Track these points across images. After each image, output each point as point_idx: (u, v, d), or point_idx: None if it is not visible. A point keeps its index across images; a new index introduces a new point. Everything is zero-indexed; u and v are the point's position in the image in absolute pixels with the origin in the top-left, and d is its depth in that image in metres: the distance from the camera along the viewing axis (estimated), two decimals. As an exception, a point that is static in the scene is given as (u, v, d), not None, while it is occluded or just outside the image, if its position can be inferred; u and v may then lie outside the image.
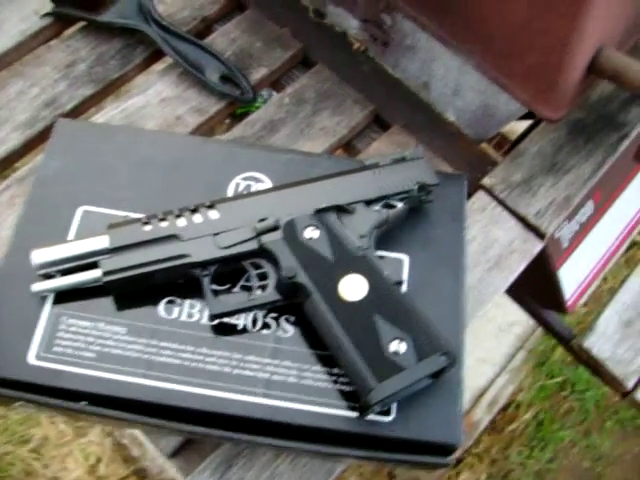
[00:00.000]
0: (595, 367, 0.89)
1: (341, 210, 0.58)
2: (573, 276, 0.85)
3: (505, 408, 1.50)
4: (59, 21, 0.81)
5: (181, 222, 0.57)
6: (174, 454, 0.63)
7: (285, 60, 0.81)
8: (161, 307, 0.57)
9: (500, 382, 1.48)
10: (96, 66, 0.78)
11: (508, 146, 0.94)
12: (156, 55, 0.80)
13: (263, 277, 0.57)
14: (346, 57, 0.81)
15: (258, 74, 0.79)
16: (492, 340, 1.48)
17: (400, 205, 0.59)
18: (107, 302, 0.57)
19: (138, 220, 0.57)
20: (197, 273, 0.56)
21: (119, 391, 0.54)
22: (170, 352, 0.56)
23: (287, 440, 0.54)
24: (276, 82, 0.82)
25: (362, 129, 0.79)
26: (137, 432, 1.38)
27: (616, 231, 0.90)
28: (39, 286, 0.56)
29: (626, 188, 0.89)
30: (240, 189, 0.63)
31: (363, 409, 0.53)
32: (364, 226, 0.57)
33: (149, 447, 1.38)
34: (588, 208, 0.85)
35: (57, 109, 0.75)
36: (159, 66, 0.80)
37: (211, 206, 0.58)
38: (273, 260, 0.56)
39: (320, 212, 0.57)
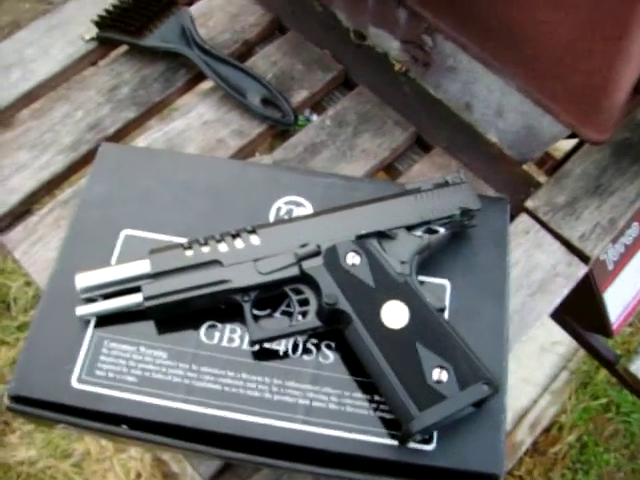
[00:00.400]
0: (642, 392, 0.87)
1: (382, 236, 0.57)
2: (618, 299, 0.84)
3: (548, 429, 1.47)
4: (103, 45, 0.83)
5: (222, 247, 0.57)
6: (214, 478, 0.63)
7: (326, 82, 0.81)
8: (202, 332, 0.57)
9: (542, 403, 1.45)
10: (139, 89, 0.79)
11: (551, 163, 0.93)
12: (198, 78, 0.81)
13: (304, 303, 0.57)
14: (387, 78, 0.81)
15: (299, 96, 0.79)
16: (535, 360, 1.46)
17: (442, 230, 0.59)
18: (149, 326, 0.58)
19: (180, 245, 0.57)
20: (238, 299, 0.56)
21: (159, 416, 0.54)
22: (210, 377, 0.56)
23: (326, 468, 0.54)
24: (317, 104, 0.82)
25: (403, 151, 0.79)
26: (176, 449, 1.39)
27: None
28: (83, 310, 0.57)
29: (673, 209, 0.87)
30: (281, 213, 0.63)
31: (404, 438, 0.52)
32: (405, 252, 0.57)
33: (189, 464, 1.38)
34: (634, 230, 0.83)
35: (100, 132, 0.76)
36: (201, 89, 0.81)
37: (252, 231, 0.58)
38: (314, 286, 0.56)
39: (361, 238, 0.57)
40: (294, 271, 0.56)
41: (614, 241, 0.81)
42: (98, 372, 0.56)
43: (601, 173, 0.75)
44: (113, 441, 0.70)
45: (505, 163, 0.77)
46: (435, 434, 0.54)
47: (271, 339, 0.56)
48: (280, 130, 0.78)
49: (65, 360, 0.56)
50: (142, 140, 0.76)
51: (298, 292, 0.57)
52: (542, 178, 0.85)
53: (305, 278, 0.56)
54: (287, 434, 0.54)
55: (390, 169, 0.79)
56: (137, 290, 0.56)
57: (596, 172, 0.75)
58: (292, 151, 0.75)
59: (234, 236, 0.57)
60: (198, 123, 0.77)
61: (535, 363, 1.46)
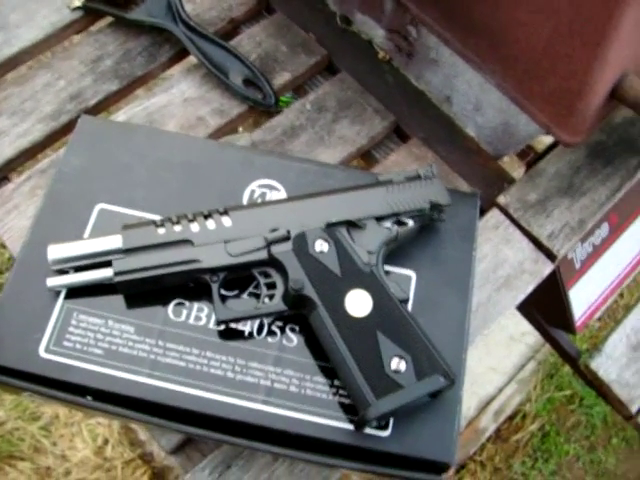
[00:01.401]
0: (600, 388, 0.89)
1: (352, 225, 0.58)
2: (584, 297, 0.85)
3: (511, 417, 1.50)
4: (88, 15, 0.82)
5: (194, 227, 0.58)
6: (176, 450, 0.64)
7: (309, 66, 0.81)
8: (170, 309, 0.58)
9: (508, 391, 1.48)
10: (122, 62, 0.79)
11: (532, 156, 0.93)
12: (181, 54, 0.81)
13: (271, 286, 0.58)
14: (370, 66, 0.81)
15: (281, 79, 0.80)
16: (503, 349, 1.48)
17: (411, 223, 0.60)
18: (118, 300, 0.58)
19: (152, 222, 0.58)
20: (207, 278, 0.57)
21: (123, 389, 0.55)
22: (176, 354, 0.57)
23: (284, 448, 0.55)
24: (299, 87, 0.83)
25: (381, 139, 0.79)
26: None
27: (630, 255, 0.90)
28: (54, 281, 0.57)
29: (643, 212, 0.89)
30: (255, 196, 0.63)
31: (360, 424, 0.54)
32: (373, 242, 0.58)
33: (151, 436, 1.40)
34: (603, 230, 0.85)
35: (82, 103, 0.76)
36: (184, 65, 0.81)
37: (224, 212, 0.58)
38: (282, 270, 0.57)
39: (331, 226, 0.58)
40: (263, 255, 0.57)
41: (583, 240, 0.82)
42: (66, 343, 0.57)
43: (574, 173, 0.76)
44: (78, 410, 0.71)
45: (481, 158, 0.78)
46: (391, 421, 0.55)
47: (237, 320, 0.57)
48: (264, 111, 0.79)
49: (34, 329, 0.57)
50: (122, 113, 0.76)
51: (266, 275, 0.58)
52: (521, 170, 0.86)
53: (273, 262, 0.57)
54: (247, 413, 0.55)
55: (367, 157, 0.79)
56: (108, 264, 0.57)
57: (569, 172, 0.76)
58: (271, 133, 0.76)
59: (206, 216, 0.58)
60: (179, 100, 0.77)
61: (503, 352, 1.48)
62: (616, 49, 0.60)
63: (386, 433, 0.55)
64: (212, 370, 0.56)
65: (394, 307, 0.55)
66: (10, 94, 0.76)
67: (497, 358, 1.49)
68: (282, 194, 0.63)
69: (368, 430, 0.55)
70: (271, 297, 0.57)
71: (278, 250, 0.57)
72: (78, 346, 0.57)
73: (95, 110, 0.77)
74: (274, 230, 0.58)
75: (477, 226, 0.65)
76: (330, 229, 0.58)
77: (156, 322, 0.58)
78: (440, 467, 0.55)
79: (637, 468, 1.50)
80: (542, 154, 0.79)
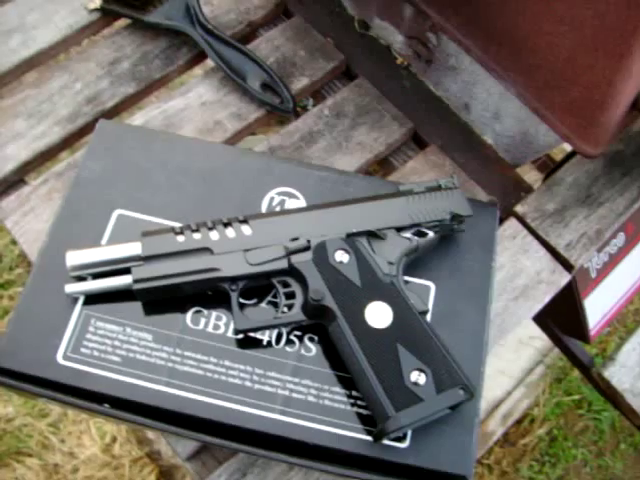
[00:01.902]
0: (613, 397, 0.88)
1: (372, 235, 0.58)
2: (598, 306, 0.85)
3: (519, 421, 1.50)
4: (106, 17, 0.82)
5: (214, 235, 0.57)
6: (191, 457, 0.64)
7: (327, 71, 0.81)
8: (188, 317, 0.58)
9: (516, 395, 1.47)
10: (139, 65, 0.79)
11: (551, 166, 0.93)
12: (199, 57, 0.81)
13: (291, 296, 0.57)
14: (388, 71, 0.81)
15: (299, 83, 0.79)
16: (512, 352, 1.48)
17: (431, 234, 0.59)
18: (136, 308, 0.58)
19: (172, 230, 0.58)
20: (226, 287, 0.57)
21: (141, 397, 0.55)
22: (193, 362, 0.57)
23: (301, 458, 0.55)
24: (316, 92, 0.82)
25: (399, 146, 0.79)
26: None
27: (646, 264, 0.89)
28: (72, 287, 0.57)
29: (660, 221, 0.88)
30: (274, 203, 0.63)
31: (378, 436, 0.53)
32: (394, 253, 0.58)
33: (167, 443, 1.40)
34: (619, 240, 0.84)
35: (98, 106, 0.76)
36: (201, 69, 0.81)
37: (244, 221, 0.58)
38: (302, 280, 0.57)
39: (351, 236, 0.58)
40: (283, 264, 0.57)
41: (599, 250, 0.82)
42: (83, 350, 0.57)
43: (592, 183, 0.76)
44: (95, 416, 0.71)
45: (498, 166, 0.78)
46: (409, 433, 0.55)
47: (255, 329, 0.57)
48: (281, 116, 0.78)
49: (51, 336, 0.57)
50: (140, 117, 0.76)
51: (285, 285, 0.58)
52: (534, 174, 0.85)
53: (293, 272, 0.57)
54: (265, 423, 0.55)
55: (384, 163, 0.79)
56: (127, 272, 0.57)
57: (587, 182, 0.76)
58: (289, 138, 0.76)
59: (226, 224, 0.58)
60: (197, 103, 0.77)
61: (512, 356, 1.48)
62: (639, 61, 0.59)
63: (404, 445, 0.55)
64: (230, 379, 0.56)
65: (414, 319, 0.55)
66: (27, 96, 0.76)
67: (506, 361, 1.48)
68: (301, 202, 0.63)
69: (386, 442, 0.55)
70: (290, 307, 0.57)
71: (298, 260, 0.57)
72: (96, 353, 0.56)
73: (112, 113, 0.77)
74: (294, 239, 0.57)
75: (496, 237, 0.64)
76: (350, 239, 0.58)
77: (174, 330, 0.58)
78: (458, 479, 0.55)
79: (645, 474, 1.50)
80: (560, 163, 0.79)
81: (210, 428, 0.55)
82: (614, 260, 0.84)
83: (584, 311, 0.82)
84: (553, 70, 0.64)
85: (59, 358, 0.56)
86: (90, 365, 0.56)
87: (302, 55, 0.81)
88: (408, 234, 0.59)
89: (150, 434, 1.44)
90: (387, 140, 0.77)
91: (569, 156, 0.79)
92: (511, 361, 1.49)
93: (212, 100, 0.77)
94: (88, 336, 0.57)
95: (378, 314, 0.55)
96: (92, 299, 0.58)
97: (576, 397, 1.54)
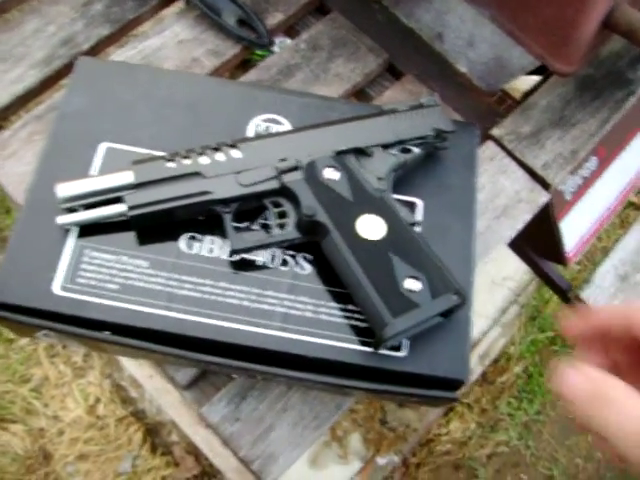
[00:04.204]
0: (590, 318, 0.91)
1: (360, 152, 0.59)
2: (574, 229, 0.88)
3: (496, 360, 1.54)
4: (75, -42, 0.81)
5: (204, 160, 0.58)
6: (189, 385, 0.65)
7: (300, 6, 0.81)
8: (182, 242, 0.59)
9: (492, 335, 1.51)
10: (113, 6, 0.78)
11: (509, 103, 0.95)
12: (172, -3, 0.81)
13: (283, 215, 0.59)
14: (361, 5, 0.82)
15: (274, 19, 0.80)
16: (485, 293, 1.51)
17: (416, 150, 0.61)
18: (129, 237, 0.59)
19: (162, 157, 0.58)
20: (219, 210, 0.57)
21: (141, 321, 0.56)
22: (191, 285, 0.58)
23: (302, 372, 0.56)
24: (290, 28, 0.83)
25: (375, 77, 0.80)
26: (136, 374, 1.41)
27: (618, 187, 0.92)
28: (64, 219, 0.57)
29: (629, 145, 0.91)
30: (260, 130, 0.64)
31: (377, 343, 0.55)
32: (382, 168, 0.59)
33: (147, 388, 1.41)
34: (592, 163, 0.87)
35: (74, 48, 0.76)
36: (175, 8, 0.80)
37: (233, 145, 0.59)
38: (293, 199, 0.58)
39: (340, 154, 0.59)
40: (274, 184, 0.58)
41: (572, 172, 0.84)
42: (80, 280, 0.57)
43: (565, 106, 0.78)
44: (94, 349, 0.72)
45: (473, 93, 0.79)
46: (406, 342, 0.57)
47: (251, 249, 0.58)
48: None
49: (46, 268, 0.57)
50: (116, 57, 0.75)
51: (277, 205, 0.59)
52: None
53: (285, 191, 0.58)
54: (265, 340, 0.56)
55: (362, 94, 0.80)
56: (118, 201, 0.57)
57: (560, 105, 0.78)
58: (266, 72, 0.76)
59: (215, 149, 0.59)
60: (173, 42, 0.77)
61: (486, 297, 1.51)
62: (611, -26, 0.61)
63: (402, 354, 0.57)
64: (228, 300, 0.57)
65: (405, 230, 0.57)
66: (-1, 41, 0.75)
67: (480, 303, 1.51)
68: (286, 127, 0.64)
69: (384, 351, 0.57)
70: (282, 226, 0.58)
71: (289, 179, 0.58)
72: (93, 282, 0.57)
73: (88, 54, 0.76)
74: (284, 160, 0.58)
75: (478, 154, 0.66)
76: (339, 157, 0.59)
77: (169, 256, 0.58)
78: (454, 384, 0.57)
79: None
80: (532, 89, 0.81)
81: (212, 349, 0.56)
82: (587, 183, 0.87)
83: (560, 233, 0.84)
84: (526, -11, 0.65)
85: (55, 289, 0.56)
86: (88, 294, 0.56)
87: (275, -9, 0.81)
88: (394, 151, 0.60)
89: (133, 393, 1.45)
90: (364, 71, 0.78)
91: (541, 82, 0.81)
92: (485, 302, 1.52)
93: (188, 38, 0.77)
94: (83, 266, 0.57)
95: (370, 226, 0.56)
96: (84, 231, 0.58)
97: (550, 334, 1.59)
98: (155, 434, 1.44)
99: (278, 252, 0.59)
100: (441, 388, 0.57)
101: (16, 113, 0.74)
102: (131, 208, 0.56)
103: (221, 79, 0.72)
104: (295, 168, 0.58)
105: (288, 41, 0.83)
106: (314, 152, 0.59)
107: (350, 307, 0.58)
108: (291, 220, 0.58)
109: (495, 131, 0.75)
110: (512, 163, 0.74)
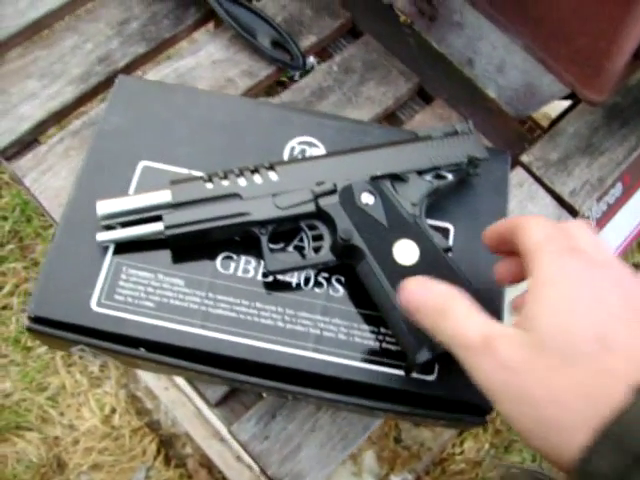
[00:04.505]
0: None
1: (395, 178, 0.60)
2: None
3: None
4: (112, -23, 0.83)
5: (241, 181, 0.59)
6: (219, 403, 0.66)
7: (334, 29, 0.82)
8: (218, 262, 0.60)
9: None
10: (149, 25, 0.80)
11: (539, 133, 0.96)
12: (207, 17, 0.82)
13: (318, 238, 0.59)
14: (392, 29, 0.83)
15: (307, 41, 0.81)
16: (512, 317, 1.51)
17: (450, 176, 0.62)
18: (166, 255, 0.59)
19: (200, 177, 0.59)
20: (255, 231, 0.58)
21: (176, 340, 0.57)
22: (226, 305, 0.58)
23: (334, 393, 0.57)
24: (323, 50, 0.84)
25: (406, 100, 0.81)
26: (152, 385, 1.42)
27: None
28: (103, 236, 0.58)
29: (654, 172, 0.92)
30: (295, 152, 0.65)
31: (409, 368, 0.56)
32: (416, 194, 0.60)
33: (163, 399, 1.42)
34: (617, 190, 0.87)
35: (110, 65, 0.77)
36: (210, 28, 0.82)
37: (271, 167, 0.60)
38: (329, 222, 0.59)
39: (375, 179, 0.60)
40: (311, 207, 0.59)
41: (598, 199, 0.85)
42: (117, 297, 0.58)
43: (592, 134, 0.79)
44: (129, 364, 0.73)
45: (502, 118, 0.80)
46: (436, 366, 0.58)
47: (286, 270, 0.58)
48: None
49: (84, 284, 0.58)
50: (152, 76, 0.77)
51: (312, 227, 0.60)
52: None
53: (321, 214, 0.59)
54: (298, 360, 0.57)
55: (393, 117, 0.81)
56: (157, 219, 0.58)
57: (588, 132, 0.79)
58: (300, 94, 0.77)
59: (253, 171, 0.60)
60: (207, 62, 0.78)
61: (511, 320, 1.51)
62: (645, 8, 0.62)
63: (432, 377, 0.58)
64: (262, 320, 0.58)
65: (439, 256, 0.57)
66: (38, 57, 0.77)
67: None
68: (322, 151, 0.65)
69: (414, 375, 0.57)
70: (317, 249, 0.59)
71: (325, 202, 0.59)
72: (130, 299, 0.58)
73: (124, 72, 0.77)
74: (320, 184, 0.59)
75: (509, 181, 0.67)
76: (375, 182, 0.59)
77: (205, 275, 0.59)
78: (482, 409, 0.58)
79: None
80: (560, 116, 0.82)
81: (245, 368, 0.57)
82: (612, 209, 0.87)
83: (584, 260, 0.85)
84: (559, 20, 0.66)
85: (93, 305, 0.57)
86: (124, 311, 0.57)
87: (308, 14, 0.82)
88: (428, 177, 0.61)
89: (149, 404, 1.45)
90: (395, 94, 0.79)
91: (569, 108, 0.81)
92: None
93: (222, 58, 0.78)
94: (121, 283, 0.58)
95: (405, 251, 0.57)
96: (121, 248, 0.59)
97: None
98: (169, 446, 1.45)
99: (312, 274, 0.60)
100: (469, 412, 0.58)
101: (51, 129, 0.75)
102: (168, 228, 0.57)
103: (257, 100, 0.73)
104: (331, 192, 0.59)
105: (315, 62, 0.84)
106: (350, 176, 0.60)
107: (382, 330, 0.58)
108: (326, 243, 0.59)
109: (524, 157, 0.76)
110: (540, 189, 0.75)
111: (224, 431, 0.70)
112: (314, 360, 0.57)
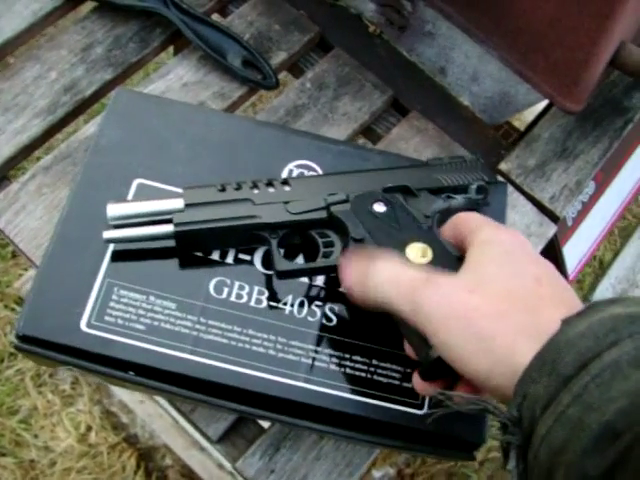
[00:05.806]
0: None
1: (407, 192, 0.60)
2: (575, 252, 0.89)
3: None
4: (71, 1, 0.80)
5: (254, 191, 0.59)
6: (220, 439, 0.65)
7: (303, 44, 0.81)
8: (211, 286, 0.59)
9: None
10: (114, 49, 0.77)
11: (516, 136, 0.96)
12: (173, 37, 0.79)
13: (329, 245, 0.59)
14: (363, 40, 0.82)
15: (278, 58, 0.79)
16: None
17: (460, 198, 0.62)
18: (159, 277, 0.58)
19: (213, 186, 0.58)
20: (266, 235, 0.58)
21: (166, 364, 0.56)
22: (218, 331, 0.57)
23: (324, 425, 0.57)
24: (293, 66, 0.83)
25: (381, 114, 0.80)
26: (125, 399, 1.40)
27: (614, 206, 0.94)
28: (110, 234, 0.57)
29: (623, 168, 0.93)
30: (293, 176, 0.64)
31: (425, 371, 0.53)
32: (428, 208, 0.59)
33: (138, 413, 1.40)
34: (590, 188, 0.88)
35: (77, 94, 0.74)
36: (175, 49, 0.79)
37: (285, 182, 0.60)
38: (341, 229, 0.58)
39: (388, 191, 0.60)
40: (322, 214, 0.58)
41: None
42: (107, 318, 0.56)
43: (567, 137, 0.79)
44: (118, 385, 0.71)
45: (477, 125, 0.80)
46: (426, 402, 0.58)
47: (295, 272, 0.58)
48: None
49: (74, 304, 0.56)
50: (122, 102, 0.74)
51: (323, 235, 0.59)
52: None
53: (332, 222, 0.58)
54: (289, 390, 0.56)
55: (369, 131, 0.80)
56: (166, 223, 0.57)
57: (562, 136, 0.79)
58: (274, 114, 0.76)
59: (267, 184, 0.59)
60: (178, 85, 0.76)
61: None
62: (622, 20, 0.62)
63: (421, 412, 0.57)
64: (254, 347, 0.57)
65: (452, 261, 0.55)
66: (0, 90, 0.74)
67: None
68: (320, 175, 0.65)
69: (403, 408, 0.57)
70: (327, 254, 0.58)
71: (337, 210, 0.58)
72: (120, 321, 0.56)
73: (92, 100, 0.75)
74: (333, 194, 0.59)
75: (507, 210, 0.67)
76: (387, 194, 0.59)
77: (198, 299, 0.58)
78: (472, 445, 0.58)
79: None
80: (533, 122, 0.82)
81: (235, 396, 0.56)
82: (586, 207, 0.89)
83: (563, 259, 0.86)
84: (536, 33, 0.66)
85: (83, 326, 0.56)
86: (114, 333, 0.56)
87: (277, 29, 0.81)
88: (440, 196, 0.61)
89: (124, 418, 1.43)
90: (370, 109, 0.78)
91: (543, 112, 0.82)
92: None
93: (193, 80, 0.76)
94: (112, 304, 0.57)
95: (418, 254, 0.55)
96: (114, 268, 0.58)
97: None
98: (149, 459, 1.43)
99: (306, 303, 0.60)
100: (459, 448, 0.58)
101: (20, 164, 0.73)
102: (177, 225, 0.56)
103: (256, 120, 0.72)
104: (344, 201, 0.59)
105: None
106: (362, 189, 0.59)
107: (374, 362, 0.58)
108: (337, 249, 0.58)
109: (502, 165, 0.76)
110: (520, 197, 0.75)
111: (228, 466, 0.68)
112: (304, 390, 0.57)
